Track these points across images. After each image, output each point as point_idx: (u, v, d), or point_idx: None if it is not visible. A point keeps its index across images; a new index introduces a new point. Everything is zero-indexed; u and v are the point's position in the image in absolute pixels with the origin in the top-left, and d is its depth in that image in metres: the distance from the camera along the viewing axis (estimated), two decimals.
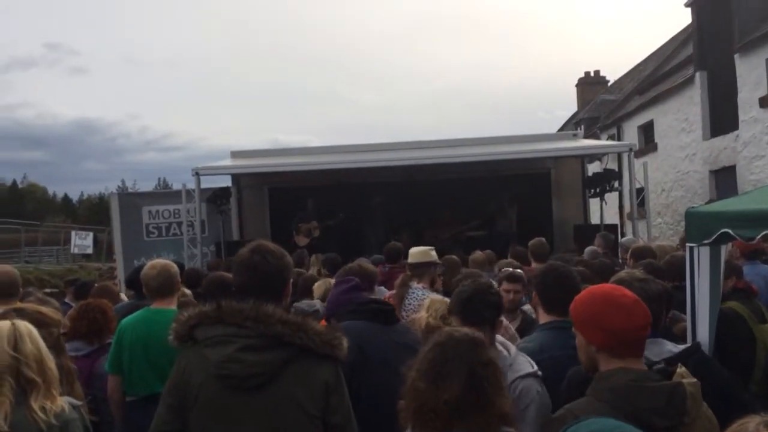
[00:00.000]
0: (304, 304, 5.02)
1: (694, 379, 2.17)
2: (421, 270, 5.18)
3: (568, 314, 3.27)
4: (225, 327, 2.29)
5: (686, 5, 13.57)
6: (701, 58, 13.37)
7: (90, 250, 33.59)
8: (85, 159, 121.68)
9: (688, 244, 3.54)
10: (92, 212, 61.29)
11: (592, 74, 29.06)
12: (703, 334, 3.50)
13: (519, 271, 4.83)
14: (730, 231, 3.08)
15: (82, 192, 74.85)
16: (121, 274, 12.13)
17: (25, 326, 2.31)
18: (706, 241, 3.32)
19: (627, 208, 16.52)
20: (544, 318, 3.40)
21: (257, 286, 2.42)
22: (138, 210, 12.32)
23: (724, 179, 12.61)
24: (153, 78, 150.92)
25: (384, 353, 3.19)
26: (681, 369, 2.25)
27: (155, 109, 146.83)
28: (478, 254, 7.81)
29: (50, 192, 72.72)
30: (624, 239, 8.62)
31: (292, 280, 2.61)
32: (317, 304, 4.89)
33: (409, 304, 4.81)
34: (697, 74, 13.38)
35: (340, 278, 3.96)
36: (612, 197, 12.48)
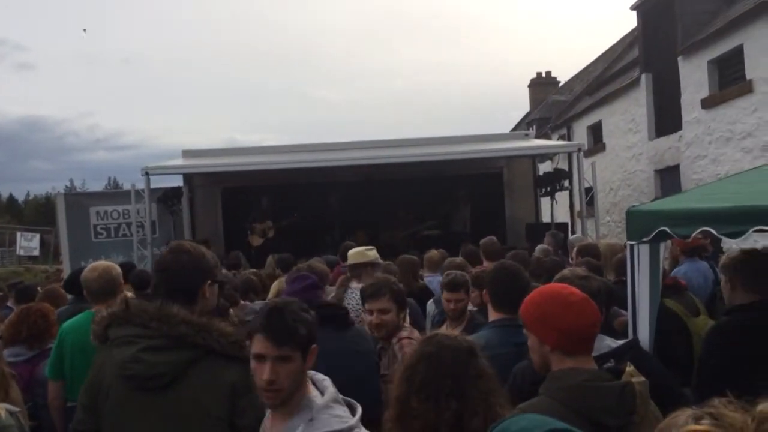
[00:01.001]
0: (257, 304, 4.99)
1: (643, 378, 2.23)
2: (358, 270, 5.20)
3: (516, 312, 3.36)
4: (132, 327, 2.31)
5: (632, 8, 13.92)
6: (646, 60, 13.74)
7: (36, 252, 32.62)
8: (31, 158, 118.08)
9: (628, 242, 3.64)
10: (39, 213, 59.48)
11: (543, 75, 29.59)
12: (644, 330, 3.60)
13: (462, 275, 4.37)
14: (667, 229, 3.18)
15: (28, 192, 72.60)
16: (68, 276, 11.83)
17: None
18: (645, 239, 3.42)
19: (577, 207, 16.91)
20: (493, 316, 3.46)
21: (167, 286, 2.44)
22: (85, 210, 12.00)
23: (669, 178, 12.98)
24: (104, 75, 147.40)
25: (336, 361, 3.06)
26: (630, 368, 2.31)
27: (106, 106, 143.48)
28: (433, 253, 7.87)
29: None
30: (572, 237, 8.82)
31: (214, 281, 2.53)
32: None
33: (348, 305, 4.83)
34: (643, 76, 13.74)
35: (293, 276, 3.91)
36: (563, 196, 12.73)
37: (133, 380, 2.26)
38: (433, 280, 6.59)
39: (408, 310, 4.07)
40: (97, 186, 67.35)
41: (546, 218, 13.66)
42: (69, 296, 6.12)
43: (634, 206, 3.85)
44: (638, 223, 3.51)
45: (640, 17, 13.77)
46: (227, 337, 2.32)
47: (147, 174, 9.70)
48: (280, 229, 12.48)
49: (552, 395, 2.11)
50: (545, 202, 13.22)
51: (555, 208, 12.76)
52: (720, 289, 6.20)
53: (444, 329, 3.38)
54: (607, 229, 15.07)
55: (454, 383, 1.86)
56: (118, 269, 3.79)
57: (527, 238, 11.32)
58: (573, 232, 12.22)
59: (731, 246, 5.53)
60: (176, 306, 2.34)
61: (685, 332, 4.03)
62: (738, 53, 10.37)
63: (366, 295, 3.61)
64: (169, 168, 10.57)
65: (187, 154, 12.11)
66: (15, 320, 4.03)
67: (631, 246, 3.60)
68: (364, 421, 2.94)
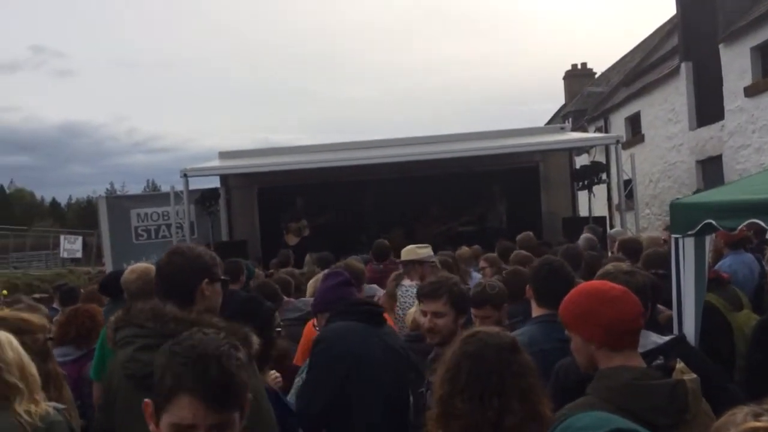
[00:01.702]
0: (300, 302, 5.01)
1: (694, 375, 2.17)
2: (409, 267, 5.20)
3: (557, 307, 3.32)
4: (131, 328, 2.38)
5: None
6: (686, 48, 13.43)
7: (79, 254, 33.43)
8: (72, 162, 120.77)
9: (672, 235, 3.56)
10: (80, 216, 60.94)
11: (579, 66, 29.15)
12: (689, 325, 3.53)
13: (492, 286, 3.63)
14: (713, 222, 3.10)
15: (70, 196, 74.42)
16: None
17: (4, 335, 2.33)
18: (690, 232, 3.34)
19: (615, 200, 16.63)
20: (536, 311, 3.42)
21: (163, 287, 2.53)
22: (126, 213, 12.27)
23: (711, 169, 12.68)
24: (140, 80, 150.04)
25: (376, 355, 3.15)
26: (680, 365, 2.25)
27: (143, 110, 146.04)
28: (464, 250, 7.84)
29: (38, 196, 72.22)
30: (612, 231, 8.68)
31: (213, 280, 2.54)
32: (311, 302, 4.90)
33: (405, 302, 4.84)
34: (683, 65, 13.44)
35: (326, 274, 3.93)
36: (600, 189, 12.53)
37: (132, 379, 2.32)
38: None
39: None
40: (136, 188, 68.74)
41: (583, 212, 13.48)
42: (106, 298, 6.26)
43: (677, 199, 3.77)
44: (683, 216, 3.44)
45: (679, 5, 13.48)
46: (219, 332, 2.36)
47: (185, 176, 9.85)
48: (316, 227, 12.56)
49: (600, 395, 2.06)
50: (582, 196, 13.03)
51: (592, 202, 12.57)
52: (766, 282, 6.08)
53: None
54: (646, 222, 14.78)
55: (498, 381, 1.82)
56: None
57: (564, 233, 11.18)
58: (611, 226, 12.03)
59: None
60: (169, 305, 2.40)
61: (725, 327, 3.93)
62: None
63: (421, 295, 3.24)
64: (207, 169, 10.72)
65: (223, 155, 12.27)
66: (63, 321, 4.12)
67: (676, 239, 3.53)
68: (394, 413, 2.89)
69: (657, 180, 14.77)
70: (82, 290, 6.81)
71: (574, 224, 11.38)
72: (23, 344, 2.41)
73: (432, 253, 5.56)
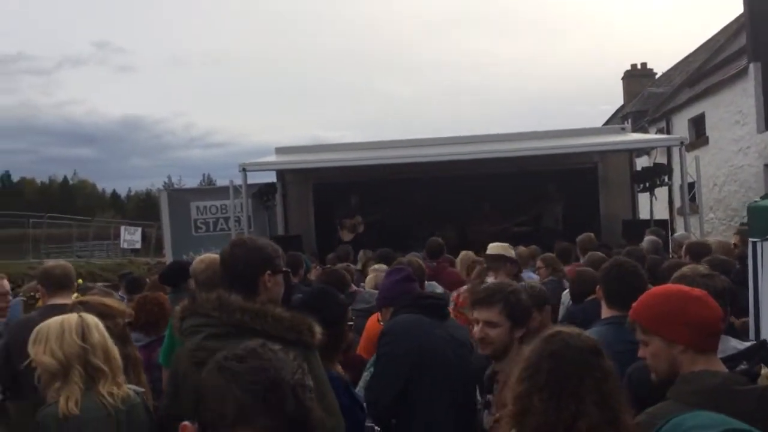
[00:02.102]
0: (367, 293, 5.03)
1: None
2: (497, 263, 5.19)
3: (629, 309, 3.24)
4: (198, 317, 2.44)
5: None
6: (755, 49, 12.92)
7: (138, 245, 34.46)
8: (132, 155, 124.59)
9: (750, 239, 3.44)
10: (140, 207, 62.82)
11: (638, 66, 28.46)
12: (766, 328, 3.41)
13: (535, 286, 3.68)
14: None
15: (129, 188, 76.76)
16: None
17: (91, 318, 2.42)
18: None
19: (677, 203, 16.17)
20: (606, 312, 3.38)
21: (226, 278, 2.60)
22: (186, 206, 12.56)
23: None
24: (197, 76, 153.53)
25: (441, 348, 3.18)
26: (766, 370, 2.18)
27: (200, 106, 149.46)
28: (521, 249, 7.74)
29: (99, 188, 74.71)
30: (677, 234, 8.43)
31: (275, 271, 2.59)
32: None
33: None
34: (751, 65, 12.94)
35: (390, 269, 3.97)
36: (662, 192, 12.20)
37: (200, 367, 2.34)
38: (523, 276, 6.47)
39: None
40: (193, 182, 70.40)
41: (644, 215, 13.14)
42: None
43: (755, 201, 3.64)
44: (761, 220, 3.32)
45: (747, 5, 12.98)
46: (283, 322, 2.40)
47: (244, 170, 10.02)
48: (369, 224, 12.62)
49: (684, 399, 1.99)
50: (642, 198, 12.71)
51: (653, 205, 12.24)
52: None
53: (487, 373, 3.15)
54: (710, 227, 14.32)
55: (576, 383, 1.78)
56: None
57: (624, 236, 10.92)
58: (673, 230, 11.70)
59: None
60: (234, 295, 2.45)
61: None
62: None
63: (474, 301, 2.93)
64: (266, 164, 10.88)
65: (280, 151, 12.43)
66: (133, 308, 4.25)
67: (753, 243, 3.41)
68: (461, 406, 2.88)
69: (722, 184, 14.30)
70: (147, 279, 6.99)
71: (635, 227, 11.09)
72: (106, 328, 2.49)
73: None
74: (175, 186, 59.49)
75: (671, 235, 9.41)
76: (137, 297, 4.51)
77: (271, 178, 12.26)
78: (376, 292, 5.01)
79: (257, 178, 11.76)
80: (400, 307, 3.36)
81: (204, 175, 69.95)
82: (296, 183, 12.69)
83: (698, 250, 5.63)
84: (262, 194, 11.18)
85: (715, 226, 14.09)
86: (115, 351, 2.41)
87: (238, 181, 10.26)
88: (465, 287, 4.95)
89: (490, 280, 4.95)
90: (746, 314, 3.60)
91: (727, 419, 1.17)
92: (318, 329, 2.51)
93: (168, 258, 12.71)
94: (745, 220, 12.47)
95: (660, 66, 31.58)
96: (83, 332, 2.36)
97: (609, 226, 12.06)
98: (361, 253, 10.01)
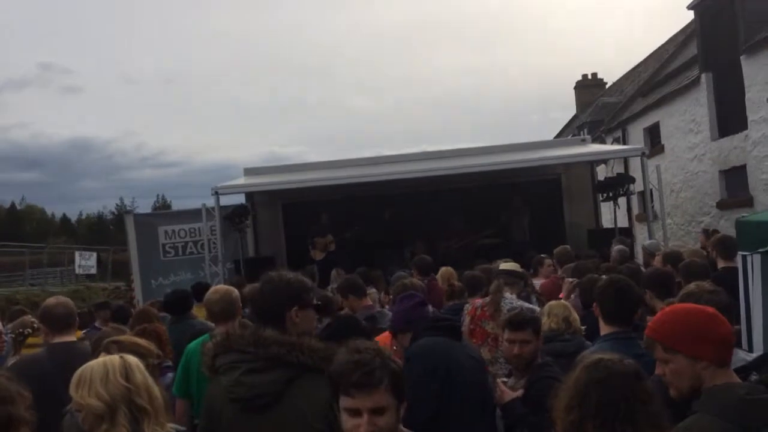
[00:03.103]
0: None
1: None
2: (513, 279, 5.45)
3: (627, 325, 3.38)
4: (233, 354, 2.49)
5: (689, 7, 13.72)
6: (706, 59, 13.51)
7: (94, 270, 33.54)
8: (81, 178, 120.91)
9: (740, 252, 3.62)
10: (92, 231, 61.18)
11: (589, 77, 29.28)
12: (758, 340, 3.58)
13: (531, 309, 4.03)
14: None
15: (80, 211, 74.62)
16: (139, 294, 12.18)
17: (133, 358, 2.41)
18: (761, 249, 3.40)
19: (635, 211, 16.67)
20: (605, 329, 3.49)
21: (256, 314, 2.70)
22: (154, 230, 12.36)
23: (735, 179, 12.71)
24: (147, 94, 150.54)
25: (465, 369, 3.32)
26: None
27: (150, 125, 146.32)
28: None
29: (48, 212, 72.54)
30: (647, 243, 8.68)
31: (303, 306, 2.65)
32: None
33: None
34: (703, 75, 13.51)
35: (401, 295, 4.04)
36: (621, 201, 12.58)
37: (238, 402, 2.42)
38: None
39: None
40: (146, 203, 68.85)
41: (605, 224, 13.52)
42: (162, 314, 6.35)
43: (743, 216, 3.82)
44: (752, 234, 3.50)
45: (698, 16, 13.57)
46: (317, 352, 2.44)
47: (217, 194, 9.96)
48: (341, 242, 12.64)
49: (715, 412, 2.09)
50: (603, 207, 13.07)
51: (615, 214, 12.62)
52: None
53: (509, 383, 3.47)
54: (669, 232, 14.79)
55: (627, 408, 1.87)
56: (237, 292, 3.94)
57: (589, 245, 11.19)
58: (633, 238, 12.05)
59: None
60: (268, 329, 2.50)
61: None
62: None
63: (510, 324, 3.49)
64: (238, 187, 10.83)
65: (249, 172, 12.38)
66: None
67: (744, 256, 3.59)
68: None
69: (678, 190, 14.81)
70: (132, 309, 6.88)
71: (600, 236, 11.41)
72: None
73: None
74: (128, 208, 58.31)
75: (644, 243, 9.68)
76: (135, 329, 4.44)
77: (240, 199, 12.19)
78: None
79: (225, 200, 11.68)
80: (421, 330, 3.43)
81: (158, 195, 68.51)
82: (266, 204, 12.64)
83: (675, 258, 5.88)
84: (234, 216, 11.10)
85: (674, 231, 14.56)
86: (157, 390, 2.41)
87: (210, 204, 10.19)
88: (481, 301, 5.02)
89: (508, 294, 5.06)
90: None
91: None
92: None
93: (136, 283, 12.49)
94: (703, 224, 12.94)
95: (610, 76, 32.50)
96: (127, 373, 2.36)
97: (574, 235, 12.34)
98: (333, 272, 10.03)
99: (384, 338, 4.19)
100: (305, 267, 10.00)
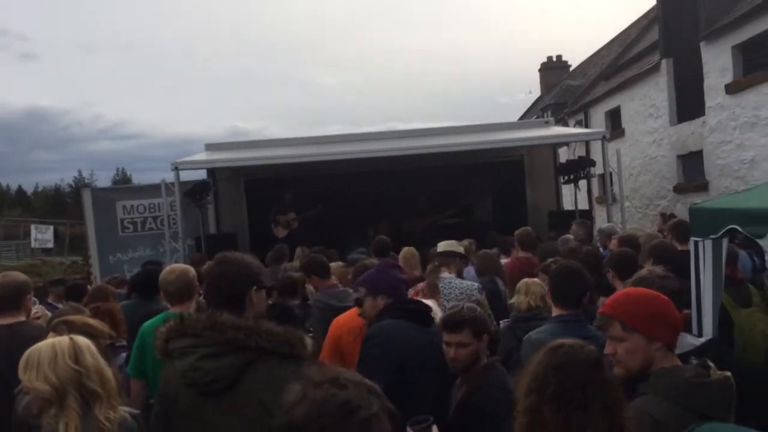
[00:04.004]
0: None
1: (728, 373, 2.31)
2: (449, 259, 5.36)
3: (577, 308, 3.46)
4: (188, 338, 2.44)
5: None
6: (667, 45, 13.70)
7: (51, 244, 32.84)
8: (37, 149, 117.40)
9: (693, 238, 3.70)
10: (49, 204, 59.62)
11: (554, 59, 29.49)
12: (707, 324, 3.68)
13: (472, 309, 3.30)
14: (738, 227, 3.24)
15: (36, 183, 72.51)
16: (96, 270, 11.96)
17: (83, 340, 2.36)
18: (712, 236, 3.48)
19: (596, 193, 16.94)
20: (555, 312, 3.60)
21: (214, 296, 2.62)
22: (112, 205, 12.12)
23: (691, 164, 13.00)
24: (106, 64, 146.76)
25: (424, 355, 3.25)
26: (711, 364, 2.39)
27: (108, 96, 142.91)
28: (463, 243, 7.93)
29: (3, 184, 70.43)
30: (605, 226, 8.83)
31: (260, 287, 2.61)
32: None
33: (450, 293, 4.91)
34: (663, 61, 13.71)
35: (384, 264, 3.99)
36: (581, 183, 12.77)
37: (194, 387, 2.40)
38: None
39: None
40: (105, 176, 67.40)
41: (566, 206, 13.71)
42: (118, 291, 6.24)
43: (696, 204, 3.90)
44: (704, 220, 3.58)
45: (660, 2, 13.72)
46: (276, 336, 2.43)
47: (177, 169, 9.78)
48: (304, 220, 12.59)
49: (662, 393, 2.17)
50: (565, 190, 13.25)
51: (575, 196, 12.80)
52: (760, 277, 6.31)
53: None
54: (627, 215, 15.09)
55: (583, 395, 1.89)
56: (194, 272, 3.87)
57: (550, 227, 11.35)
58: (593, 220, 12.25)
59: None
60: (225, 313, 2.46)
61: (727, 322, 4.11)
62: (764, 38, 10.35)
63: (445, 326, 3.20)
64: (199, 162, 10.64)
65: (210, 147, 12.18)
66: None
67: (696, 242, 3.67)
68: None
69: (637, 174, 15.08)
70: (89, 287, 6.74)
71: (560, 218, 11.57)
72: None
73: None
74: (87, 180, 57.01)
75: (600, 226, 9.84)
76: (90, 308, 4.35)
77: (201, 175, 12.00)
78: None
79: (186, 175, 11.49)
80: (386, 311, 3.41)
81: (118, 168, 66.90)
82: (227, 180, 12.47)
83: (632, 243, 6.00)
84: (194, 192, 10.92)
85: (632, 214, 14.85)
86: (109, 373, 2.36)
87: (170, 179, 10.01)
88: (422, 284, 5.09)
89: (445, 275, 5.11)
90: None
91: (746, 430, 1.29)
92: (309, 341, 2.56)
93: (94, 259, 12.26)
94: (660, 208, 13.22)
95: (574, 59, 32.80)
96: (77, 355, 2.31)
97: (535, 217, 12.50)
98: (298, 249, 9.98)
99: (350, 316, 4.18)
100: (273, 245, 9.93)
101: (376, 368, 3.22)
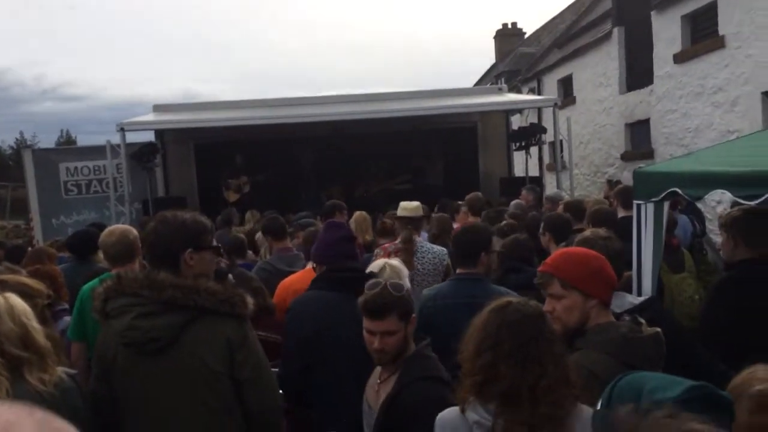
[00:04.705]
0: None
1: (659, 329, 2.40)
2: (418, 224, 5.34)
3: (476, 267, 3.52)
4: (125, 298, 2.43)
5: None
6: (619, 14, 13.84)
7: None
8: None
9: (635, 201, 3.77)
10: None
11: (509, 26, 29.52)
12: (647, 286, 3.77)
13: (397, 286, 2.59)
14: (678, 190, 3.32)
15: None
16: (38, 234, 11.61)
17: (4, 305, 2.24)
18: (654, 199, 3.55)
19: (546, 160, 17.18)
20: (458, 270, 3.68)
21: (150, 255, 2.60)
22: (55, 166, 11.72)
23: (639, 132, 13.25)
24: (48, 22, 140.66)
25: (347, 329, 2.98)
26: (642, 320, 2.48)
27: (51, 55, 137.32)
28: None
29: None
30: (551, 193, 8.98)
31: (199, 248, 2.55)
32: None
33: (423, 258, 4.79)
34: (615, 30, 13.85)
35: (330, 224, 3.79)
36: (533, 150, 12.92)
37: (132, 347, 2.39)
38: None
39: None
40: (49, 138, 64.83)
41: (518, 172, 13.88)
42: (59, 254, 6.07)
43: (641, 167, 3.98)
44: (647, 184, 3.65)
45: None
46: (216, 295, 2.42)
47: (122, 130, 9.50)
48: (256, 184, 12.44)
49: (599, 348, 2.26)
50: (516, 156, 13.39)
51: (525, 162, 12.97)
52: (700, 241, 6.52)
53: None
54: (575, 182, 15.36)
55: (537, 348, 1.95)
56: (135, 233, 3.77)
57: (502, 193, 11.49)
58: (543, 186, 12.45)
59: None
60: (162, 272, 2.43)
61: (659, 287, 4.24)
62: (711, 8, 10.52)
63: (367, 312, 2.54)
64: (145, 123, 10.35)
65: (158, 108, 11.87)
66: None
67: (638, 205, 3.75)
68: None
69: (587, 141, 15.32)
70: (29, 248, 6.53)
71: (511, 184, 11.72)
72: None
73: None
74: (29, 142, 54.95)
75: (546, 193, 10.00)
76: (28, 270, 4.21)
77: (149, 137, 11.68)
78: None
79: (133, 137, 11.18)
80: (313, 283, 3.34)
81: (62, 131, 64.50)
82: (177, 143, 12.19)
83: (577, 208, 6.11)
84: (141, 155, 10.64)
85: (580, 181, 15.12)
86: (37, 333, 2.27)
87: (117, 141, 9.71)
88: (393, 246, 4.94)
89: (417, 238, 5.04)
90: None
91: (679, 379, 1.33)
92: (250, 300, 2.53)
93: (36, 222, 11.88)
94: (607, 175, 13.49)
95: (529, 26, 32.91)
96: None
97: (487, 183, 12.62)
98: (248, 213, 9.88)
99: (296, 278, 4.14)
100: (224, 209, 9.77)
101: (292, 345, 3.18)
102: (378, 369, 2.69)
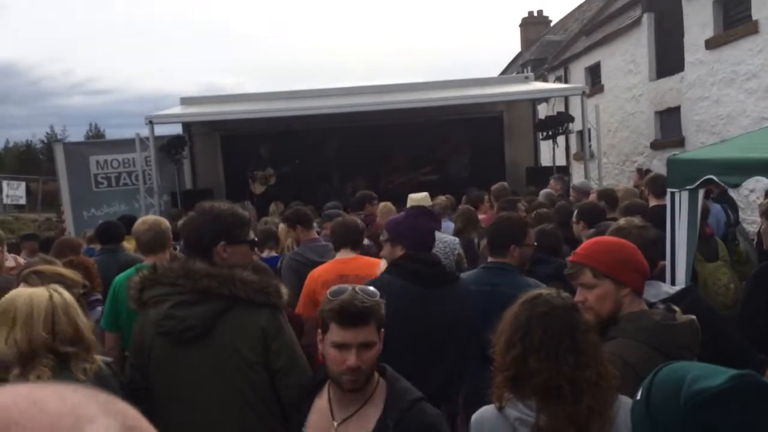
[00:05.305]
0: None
1: (693, 316, 2.35)
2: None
3: (506, 257, 3.47)
4: (162, 287, 2.45)
5: None
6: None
7: (23, 201, 32.22)
8: (6, 104, 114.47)
9: (669, 189, 3.71)
10: (20, 160, 58.42)
11: (535, 14, 29.18)
12: (681, 275, 3.72)
13: (365, 291, 2.09)
14: (714, 177, 3.25)
15: (7, 139, 70.87)
16: (70, 226, 11.80)
17: (60, 300, 2.26)
18: (689, 187, 3.49)
19: (573, 149, 16.98)
20: (490, 259, 3.64)
21: (186, 246, 2.63)
22: (85, 160, 11.89)
23: (669, 120, 13.02)
24: (77, 18, 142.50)
25: (416, 325, 2.97)
26: (677, 308, 2.43)
27: (80, 50, 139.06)
28: (441, 199, 7.93)
29: None
30: (578, 183, 8.86)
31: (233, 242, 2.54)
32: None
33: (438, 250, 4.77)
34: (645, 16, 13.60)
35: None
36: (560, 139, 12.76)
37: (168, 336, 2.41)
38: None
39: None
40: (78, 132, 65.89)
41: (544, 162, 13.73)
42: (88, 246, 6.16)
43: (674, 154, 3.90)
44: (681, 171, 3.58)
45: None
46: (251, 285, 2.43)
47: (151, 123, 9.59)
48: (282, 176, 12.48)
49: (633, 336, 2.22)
50: (543, 146, 13.25)
51: (554, 152, 12.81)
52: (733, 231, 6.39)
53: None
54: (604, 172, 15.16)
55: (570, 339, 1.89)
56: (167, 223, 3.81)
57: (528, 182, 11.39)
58: (570, 176, 12.30)
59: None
60: (198, 262, 2.45)
61: (693, 276, 4.16)
62: None
63: (344, 321, 2.01)
64: (173, 116, 10.44)
65: (185, 101, 11.95)
66: None
67: (672, 193, 3.68)
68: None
69: (615, 130, 15.10)
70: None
71: (538, 174, 11.61)
72: None
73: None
74: (59, 136, 55.84)
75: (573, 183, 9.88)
76: (63, 261, 4.28)
77: (176, 130, 11.80)
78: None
79: (161, 130, 11.30)
80: (391, 266, 3.26)
81: (91, 124, 65.37)
82: (203, 135, 12.29)
83: (610, 197, 6.03)
84: (169, 147, 10.75)
85: (609, 170, 14.92)
86: (86, 329, 2.29)
87: (145, 134, 9.81)
88: None
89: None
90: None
91: (720, 368, 1.30)
92: (284, 290, 2.54)
93: (67, 215, 12.08)
94: (637, 164, 13.29)
95: (555, 14, 32.49)
96: (53, 319, 2.21)
97: (513, 173, 12.52)
98: (272, 205, 9.93)
99: (325, 269, 4.13)
100: (241, 202, 9.82)
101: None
102: (321, 407, 2.14)
